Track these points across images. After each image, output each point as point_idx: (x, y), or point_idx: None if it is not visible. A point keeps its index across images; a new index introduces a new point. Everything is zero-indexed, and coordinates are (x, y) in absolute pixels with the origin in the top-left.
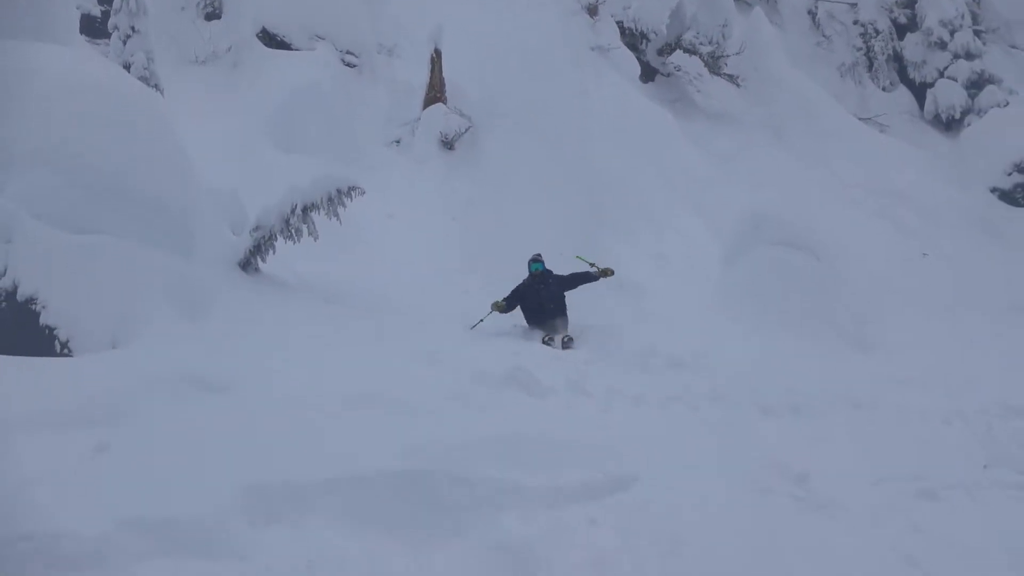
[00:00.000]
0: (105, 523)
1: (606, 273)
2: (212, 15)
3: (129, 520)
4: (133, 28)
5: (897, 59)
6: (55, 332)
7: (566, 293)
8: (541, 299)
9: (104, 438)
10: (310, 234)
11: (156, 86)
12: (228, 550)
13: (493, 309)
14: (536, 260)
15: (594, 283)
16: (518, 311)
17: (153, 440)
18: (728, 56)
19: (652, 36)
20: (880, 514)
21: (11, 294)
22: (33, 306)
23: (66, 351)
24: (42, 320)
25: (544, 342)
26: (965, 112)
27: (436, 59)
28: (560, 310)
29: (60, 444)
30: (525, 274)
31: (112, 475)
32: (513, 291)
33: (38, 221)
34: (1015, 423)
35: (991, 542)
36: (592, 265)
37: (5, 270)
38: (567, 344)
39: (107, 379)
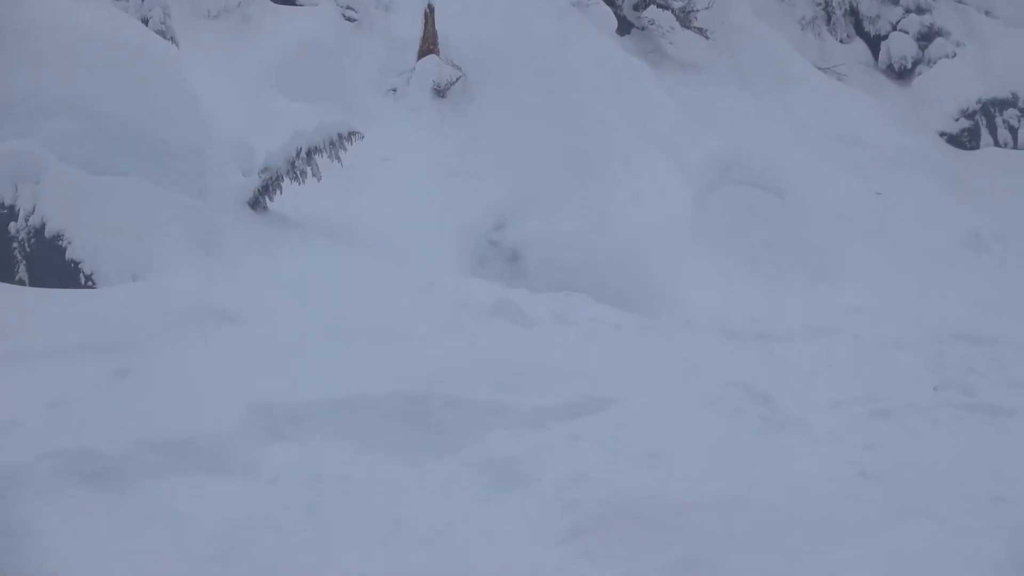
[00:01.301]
0: (127, 442)
1: None
2: None
3: (149, 439)
4: None
5: (853, 13)
6: (80, 266)
7: None
8: None
9: (125, 363)
10: (314, 175)
11: (172, 39)
12: (239, 466)
13: None
14: None
15: None
16: None
17: (170, 365)
18: (698, 11)
19: None
20: (839, 432)
21: (39, 231)
22: (59, 242)
23: (90, 283)
24: (68, 255)
25: None
26: (916, 62)
27: (429, 14)
28: None
29: (85, 368)
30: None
31: (133, 397)
32: None
33: (63, 163)
34: (962, 350)
35: (940, 457)
36: None
37: (34, 208)
38: None
39: (128, 309)
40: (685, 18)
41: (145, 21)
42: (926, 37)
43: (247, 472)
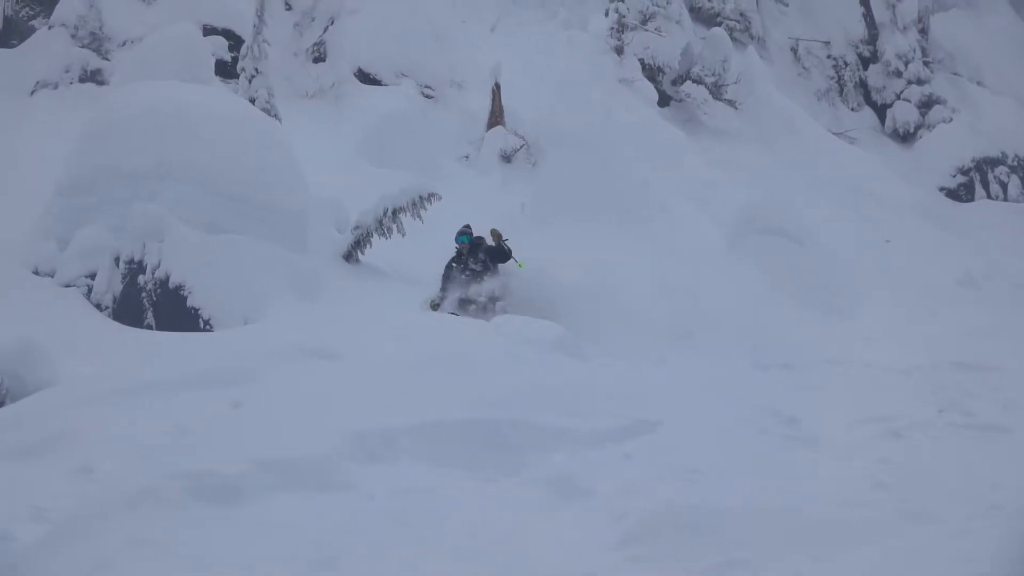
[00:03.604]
0: (242, 463)
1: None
2: (319, 58)
3: (261, 461)
4: (257, 70)
5: (862, 85)
6: (199, 312)
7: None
8: (467, 273)
9: (239, 395)
10: (399, 231)
11: (275, 116)
12: (339, 483)
13: (432, 308)
14: (463, 232)
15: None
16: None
17: (278, 397)
18: (728, 85)
19: (667, 70)
20: (855, 448)
21: (164, 282)
22: (182, 292)
23: (208, 327)
24: (189, 303)
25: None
26: (918, 127)
27: (496, 91)
28: (480, 277)
29: (205, 400)
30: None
31: (246, 425)
32: (444, 270)
33: (184, 224)
34: (961, 375)
35: (943, 469)
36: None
37: (159, 263)
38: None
39: (241, 349)
40: (717, 91)
41: (252, 100)
42: (926, 105)
43: (346, 488)
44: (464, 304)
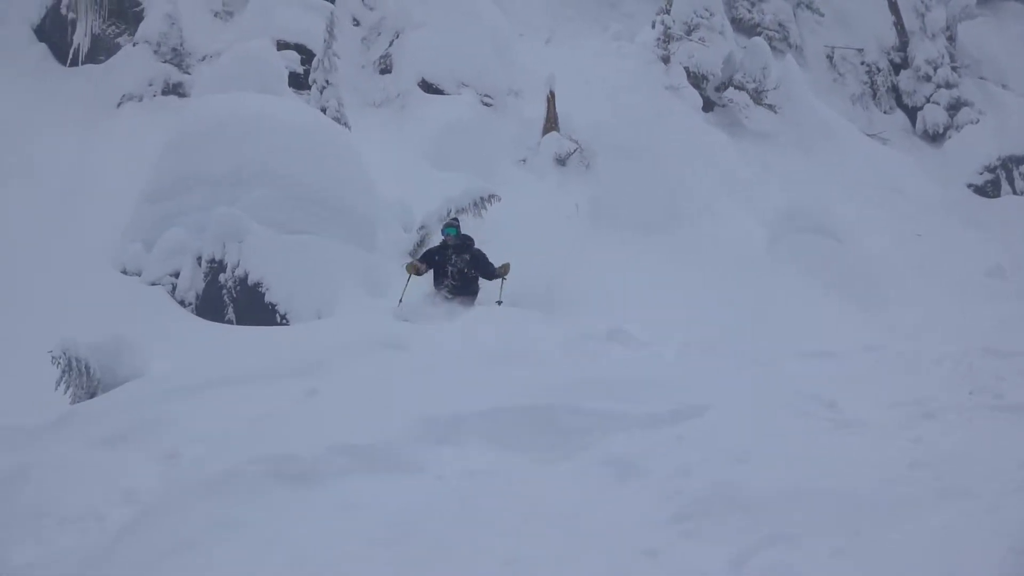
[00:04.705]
0: (318, 448)
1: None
2: (385, 70)
3: (336, 445)
4: (327, 81)
5: (894, 89)
6: (276, 307)
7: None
8: (450, 269)
9: (314, 384)
10: None
11: (345, 124)
12: (409, 465)
13: (410, 273)
14: (450, 224)
15: (492, 280)
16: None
17: (351, 385)
18: (768, 91)
19: (710, 77)
20: (891, 430)
21: (243, 280)
22: (260, 288)
23: (284, 321)
24: (267, 299)
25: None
26: (946, 128)
27: (551, 99)
28: (466, 287)
29: (282, 389)
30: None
31: (321, 412)
32: (425, 252)
33: (261, 225)
34: (990, 361)
35: (975, 448)
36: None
37: (239, 262)
38: None
39: (316, 341)
40: (758, 97)
41: (324, 110)
42: (954, 107)
43: (416, 470)
44: (430, 301)
